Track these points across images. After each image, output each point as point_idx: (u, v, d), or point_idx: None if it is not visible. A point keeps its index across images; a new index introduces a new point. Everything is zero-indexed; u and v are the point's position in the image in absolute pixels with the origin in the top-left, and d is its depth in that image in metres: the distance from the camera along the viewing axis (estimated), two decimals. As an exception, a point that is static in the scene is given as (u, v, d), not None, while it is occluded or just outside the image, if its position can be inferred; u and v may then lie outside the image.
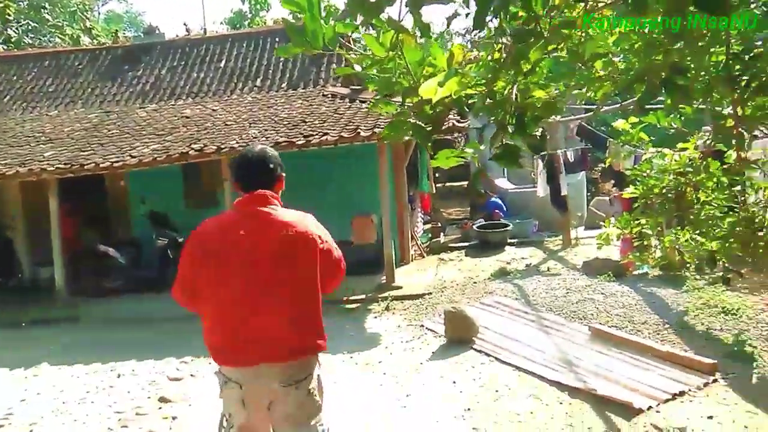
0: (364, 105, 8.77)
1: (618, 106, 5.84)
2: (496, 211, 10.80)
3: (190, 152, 7.38)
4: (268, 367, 2.23)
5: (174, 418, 4.37)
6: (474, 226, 10.33)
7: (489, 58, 2.00)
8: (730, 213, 3.73)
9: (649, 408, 3.84)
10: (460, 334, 5.42)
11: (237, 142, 7.40)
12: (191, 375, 5.24)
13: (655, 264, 7.05)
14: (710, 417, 3.70)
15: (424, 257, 9.76)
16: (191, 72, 12.13)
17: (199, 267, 2.32)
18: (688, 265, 7.05)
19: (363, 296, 7.46)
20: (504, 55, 1.88)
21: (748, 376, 4.32)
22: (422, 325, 6.11)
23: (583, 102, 11.35)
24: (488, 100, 1.92)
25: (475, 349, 5.25)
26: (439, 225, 11.91)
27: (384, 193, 7.65)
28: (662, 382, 4.17)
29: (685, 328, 5.33)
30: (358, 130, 7.09)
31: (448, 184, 18.98)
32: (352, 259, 8.56)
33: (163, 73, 12.25)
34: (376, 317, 6.65)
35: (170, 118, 9.83)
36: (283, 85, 11.25)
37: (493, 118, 2.04)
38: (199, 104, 10.69)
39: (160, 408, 4.56)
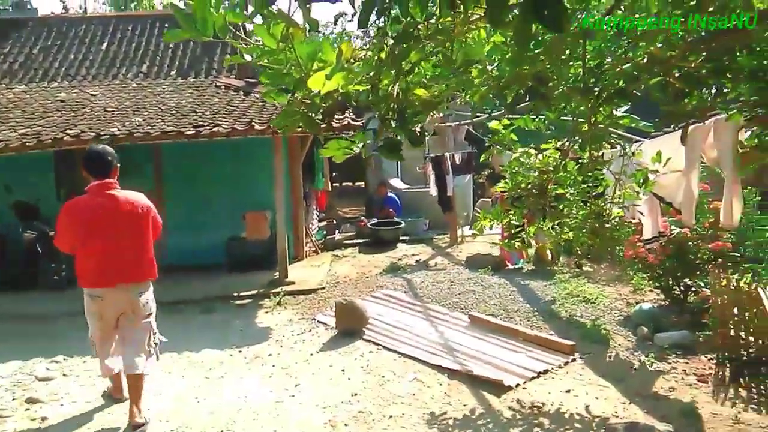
0: (259, 98, 8.67)
1: (501, 113, 6.35)
2: (391, 209, 11.15)
3: (64, 138, 6.85)
4: (123, 285, 3.83)
5: (44, 418, 4.08)
6: (368, 224, 10.58)
7: (375, 57, 2.16)
8: (584, 206, 4.24)
9: (517, 385, 4.25)
10: (350, 325, 5.59)
11: (119, 130, 7.00)
12: (63, 375, 4.90)
13: (528, 260, 7.75)
14: (568, 391, 4.18)
15: (318, 254, 9.84)
16: (68, 53, 11.22)
17: (76, 228, 3.76)
18: (557, 262, 7.85)
19: (254, 292, 7.38)
20: (387, 55, 2.04)
21: (601, 356, 4.92)
22: (314, 319, 6.20)
23: (472, 108, 11.95)
24: (372, 95, 2.07)
25: (365, 339, 5.44)
26: (335, 222, 12.06)
27: (278, 188, 7.63)
28: (529, 362, 4.62)
29: (552, 315, 5.91)
30: (253, 123, 7.01)
31: (345, 183, 19.21)
32: (245, 254, 8.62)
33: (35, 53, 11.21)
34: (267, 312, 6.63)
35: (42, 101, 9.03)
36: (172, 72, 10.78)
37: (377, 113, 2.20)
38: (76, 88, 9.93)
39: (27, 409, 4.24)
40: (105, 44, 11.57)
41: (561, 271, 7.48)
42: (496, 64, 3.30)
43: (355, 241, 10.63)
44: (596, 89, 3.24)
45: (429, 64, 2.37)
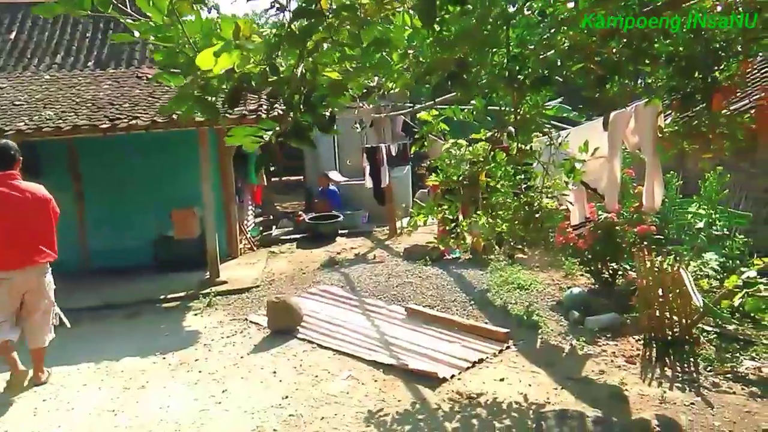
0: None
1: (432, 104, 6.27)
2: (329, 202, 10.95)
3: (-37, 134, 6.23)
4: (30, 267, 4.27)
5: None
6: (306, 219, 10.34)
7: (273, 34, 1.97)
8: (515, 198, 4.22)
9: (452, 376, 4.20)
10: (283, 324, 5.38)
11: (26, 125, 6.43)
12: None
13: (465, 249, 7.77)
14: (502, 379, 4.17)
15: (254, 250, 9.51)
16: (-29, 42, 10.29)
17: None
18: (493, 249, 7.91)
19: (183, 294, 7.01)
20: (286, 32, 1.86)
21: (533, 342, 4.95)
22: (246, 319, 5.94)
23: (407, 101, 11.93)
24: (271, 76, 1.88)
25: (299, 338, 5.25)
26: (271, 218, 11.73)
27: (206, 183, 7.26)
28: (464, 352, 4.58)
29: (487, 303, 5.93)
30: (174, 115, 6.61)
31: (284, 177, 18.78)
32: (174, 254, 8.18)
33: (-70, 41, 10.22)
34: (196, 314, 6.29)
35: (-60, 94, 8.22)
36: (90, 63, 10.09)
37: (281, 97, 2.01)
38: (-20, 80, 9.10)
39: None
40: (14, 33, 10.70)
41: (496, 260, 7.55)
42: (418, 50, 3.19)
43: (292, 236, 10.36)
44: (520, 77, 3.18)
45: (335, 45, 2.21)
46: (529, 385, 4.07)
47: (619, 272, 5.95)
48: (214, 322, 5.95)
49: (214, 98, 2.11)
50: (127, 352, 5.13)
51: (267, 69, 1.86)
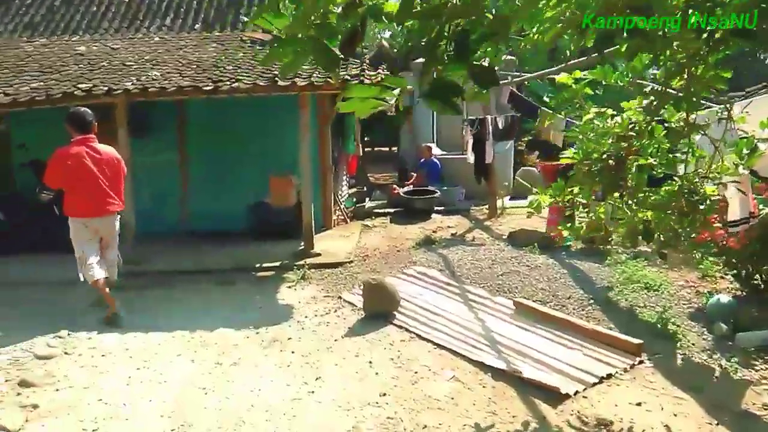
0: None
1: (555, 69, 5.49)
2: (428, 176, 10.42)
3: (75, 92, 6.31)
4: (109, 215, 5.08)
5: (34, 406, 3.64)
6: (401, 192, 9.89)
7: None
8: (668, 182, 3.46)
9: (576, 393, 3.58)
10: (379, 308, 4.98)
11: (133, 84, 6.42)
12: (65, 353, 4.46)
13: (577, 237, 6.95)
14: (639, 404, 3.49)
15: (347, 223, 9.23)
16: (90, 5, 10.64)
17: (69, 169, 4.83)
18: (610, 239, 7.02)
19: (277, 264, 6.84)
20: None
21: (672, 357, 4.19)
22: (340, 297, 5.62)
23: (515, 69, 11.02)
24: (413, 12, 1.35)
25: (395, 324, 4.83)
26: (365, 189, 11.41)
27: (304, 151, 6.98)
28: (588, 364, 3.93)
29: (610, 304, 5.18)
30: (276, 79, 6.33)
31: (377, 148, 18.45)
32: (269, 222, 8.05)
33: (57, 5, 10.68)
34: (290, 287, 6.08)
35: (60, 54, 8.53)
36: (197, 26, 10.10)
37: (423, 40, 1.48)
38: (98, 41, 9.37)
39: (18, 394, 3.80)
40: (129, -4, 10.96)
41: (615, 251, 6.69)
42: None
43: (386, 210, 9.97)
44: (711, 28, 2.44)
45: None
46: (675, 415, 3.37)
47: (778, 279, 4.96)
48: (308, 297, 5.69)
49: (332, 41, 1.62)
50: (222, 323, 4.97)
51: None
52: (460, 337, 4.48)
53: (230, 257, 7.14)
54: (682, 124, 3.07)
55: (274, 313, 5.29)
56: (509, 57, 11.49)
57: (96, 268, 4.96)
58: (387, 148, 18.01)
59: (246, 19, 9.70)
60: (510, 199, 10.25)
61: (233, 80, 6.39)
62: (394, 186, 10.61)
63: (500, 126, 8.67)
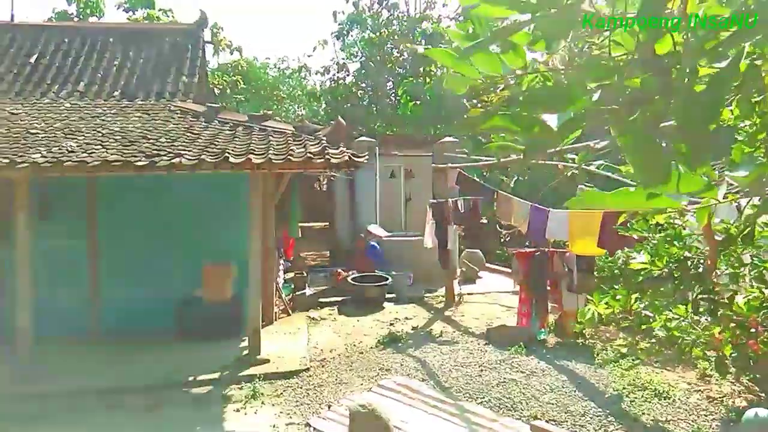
0: (226, 126, 7.06)
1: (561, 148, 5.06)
2: (373, 260, 9.60)
3: (-37, 164, 4.96)
4: None
5: None
6: (349, 278, 8.96)
7: None
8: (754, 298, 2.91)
9: None
10: (369, 444, 3.94)
11: (43, 156, 5.17)
12: None
13: (550, 329, 6.34)
14: None
15: (289, 315, 8.11)
16: (-17, 63, 9.24)
17: None
18: (584, 334, 6.51)
19: (216, 375, 5.57)
20: None
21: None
22: (308, 425, 4.49)
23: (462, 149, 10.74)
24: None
25: (392, 466, 3.80)
26: (304, 274, 10.34)
27: (255, 236, 5.95)
28: None
29: (629, 419, 4.49)
30: (226, 155, 5.38)
31: (306, 224, 17.45)
32: (201, 320, 6.73)
33: (-60, 61, 9.17)
34: (238, 410, 4.84)
35: (-58, 117, 7.03)
36: (115, 93, 9.01)
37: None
38: (-8, 104, 7.95)
39: None
40: (35, 57, 9.67)
41: (594, 346, 6.16)
42: None
43: (331, 298, 8.96)
44: None
45: None
46: None
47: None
48: (266, 427, 4.49)
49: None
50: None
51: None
52: (480, 481, 3.54)
53: (155, 366, 5.76)
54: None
55: (226, 455, 4.05)
56: (453, 139, 11.32)
57: None
58: (318, 224, 17.08)
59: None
60: (460, 285, 9.65)
61: (173, 155, 5.34)
62: (339, 270, 9.67)
63: (461, 209, 8.15)
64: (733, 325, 2.85)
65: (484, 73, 0.93)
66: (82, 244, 6.88)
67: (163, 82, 9.63)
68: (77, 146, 5.63)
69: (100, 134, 6.42)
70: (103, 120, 7.31)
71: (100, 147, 5.69)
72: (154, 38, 10.69)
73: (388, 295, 8.91)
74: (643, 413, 4.58)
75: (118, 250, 7.00)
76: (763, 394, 4.75)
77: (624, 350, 5.75)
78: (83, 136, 6.27)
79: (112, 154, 5.35)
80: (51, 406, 4.82)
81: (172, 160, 5.23)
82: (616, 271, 6.77)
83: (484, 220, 9.94)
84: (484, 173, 12.67)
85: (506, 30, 0.85)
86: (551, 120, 0.83)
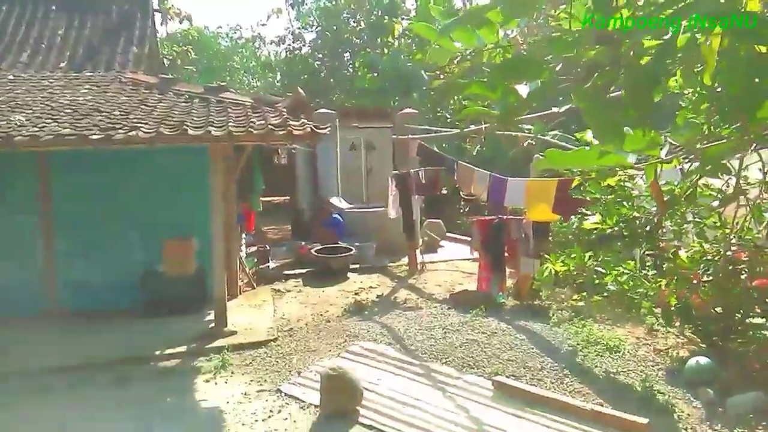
0: (181, 98, 6.90)
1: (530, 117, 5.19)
2: (335, 231, 9.67)
3: None
4: None
5: None
6: (313, 250, 9.01)
7: None
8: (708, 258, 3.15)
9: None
10: (341, 404, 4.08)
11: (-10, 131, 4.97)
12: None
13: (508, 292, 6.60)
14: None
15: (254, 288, 8.12)
16: None
17: None
18: (540, 293, 6.82)
19: (183, 348, 5.59)
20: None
21: (676, 433, 3.85)
22: (279, 390, 4.60)
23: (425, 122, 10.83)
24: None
25: (363, 425, 3.96)
26: (267, 248, 10.32)
27: (216, 209, 5.92)
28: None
29: (584, 372, 4.80)
30: (185, 127, 5.30)
31: (267, 198, 17.28)
32: (164, 294, 6.69)
33: None
34: (208, 381, 4.90)
35: None
36: (62, 64, 8.63)
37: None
38: (-75, 77, 7.50)
39: None
40: (-30, 26, 9.14)
41: (550, 307, 6.48)
42: None
43: (295, 271, 9.01)
44: None
45: None
46: None
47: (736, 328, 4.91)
48: (238, 395, 4.58)
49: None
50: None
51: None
52: (447, 435, 3.75)
53: (120, 343, 5.73)
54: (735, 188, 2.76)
55: (198, 426, 4.12)
56: (412, 110, 11.39)
57: None
58: (278, 198, 16.96)
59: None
60: (422, 254, 9.86)
61: (129, 128, 5.22)
62: (303, 243, 9.70)
63: (422, 180, 8.28)
64: (677, 278, 3.10)
65: (463, 46, 1.01)
66: (34, 221, 6.67)
67: (111, 53, 9.28)
68: (26, 120, 5.41)
69: (49, 107, 6.18)
70: (51, 93, 7.02)
71: (51, 121, 5.49)
72: (100, 5, 10.21)
73: (352, 266, 9.03)
74: (596, 366, 4.89)
75: (75, 227, 6.81)
76: (703, 345, 5.13)
77: (579, 304, 6.05)
78: (31, 109, 6.02)
79: (65, 128, 5.19)
80: (12, 387, 4.75)
81: (129, 133, 5.11)
82: (570, 236, 7.08)
83: (444, 191, 10.18)
84: (444, 144, 12.83)
85: (482, 9, 0.93)
86: (521, 89, 0.92)
